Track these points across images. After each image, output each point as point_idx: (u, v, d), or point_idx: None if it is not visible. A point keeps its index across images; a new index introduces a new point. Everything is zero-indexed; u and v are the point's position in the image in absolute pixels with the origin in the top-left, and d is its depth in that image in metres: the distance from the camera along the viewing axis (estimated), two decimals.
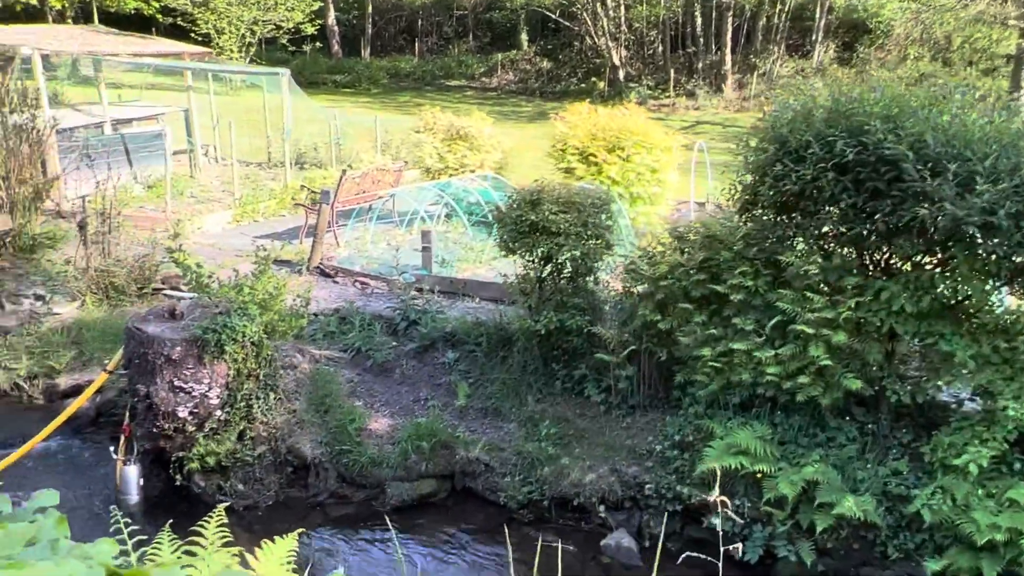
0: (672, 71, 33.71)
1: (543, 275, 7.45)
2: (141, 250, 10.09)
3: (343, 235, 11.99)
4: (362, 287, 10.03)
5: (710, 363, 6.28)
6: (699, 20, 34.41)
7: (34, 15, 36.16)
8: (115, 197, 9.80)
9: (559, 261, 7.25)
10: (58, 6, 32.59)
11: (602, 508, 6.65)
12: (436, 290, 9.29)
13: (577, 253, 7.12)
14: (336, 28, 40.26)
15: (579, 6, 36.38)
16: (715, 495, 3.42)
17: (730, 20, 33.32)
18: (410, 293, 8.83)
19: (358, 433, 7.30)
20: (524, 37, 39.72)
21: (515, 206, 7.19)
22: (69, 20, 34.48)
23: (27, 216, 10.56)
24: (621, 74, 35.04)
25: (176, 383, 6.67)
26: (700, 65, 34.39)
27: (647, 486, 6.56)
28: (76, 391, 8.62)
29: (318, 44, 38.23)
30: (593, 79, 35.86)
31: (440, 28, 42.42)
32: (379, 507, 7.09)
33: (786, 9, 33.20)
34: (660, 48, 36.66)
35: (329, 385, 7.67)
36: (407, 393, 7.89)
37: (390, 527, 6.63)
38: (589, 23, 35.94)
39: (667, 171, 11.91)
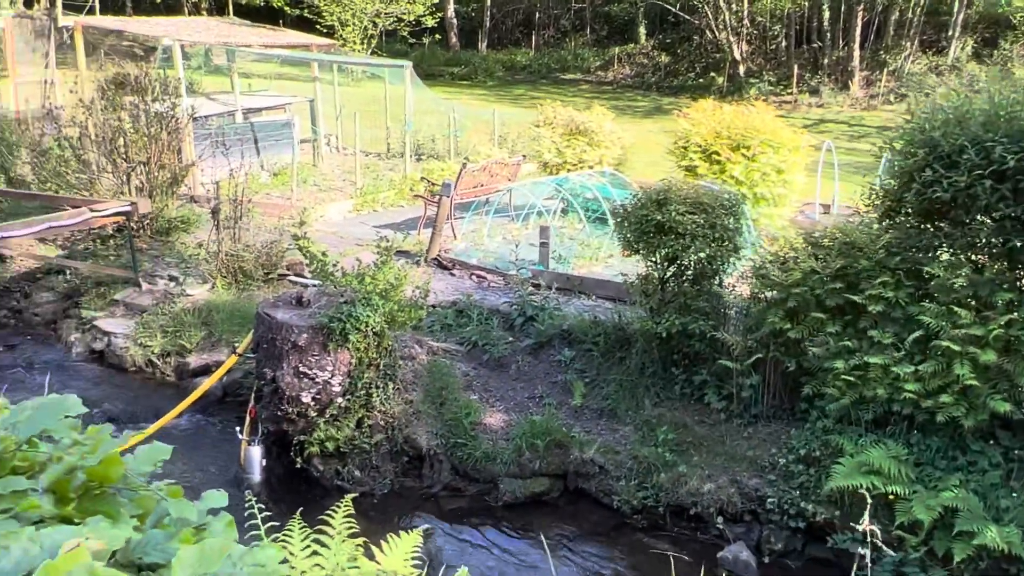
0: (795, 67, 32.60)
1: (666, 276, 7.28)
2: (268, 236, 10.41)
3: (460, 227, 12.07)
4: (478, 280, 10.07)
5: (842, 376, 6.00)
6: (827, 14, 33.16)
7: (172, 7, 37.99)
8: (246, 184, 10.13)
9: (684, 263, 7.07)
10: None
11: (720, 519, 6.46)
12: (554, 286, 9.23)
13: (703, 255, 6.92)
14: (455, 21, 40.71)
15: (701, 0, 35.68)
16: (865, 523, 3.22)
17: (860, 14, 31.96)
18: (527, 289, 8.79)
19: (473, 427, 7.32)
20: (642, 31, 39.20)
21: (640, 205, 7.04)
22: (204, 12, 36.05)
23: (164, 200, 11.06)
24: (741, 69, 34.13)
25: (301, 369, 6.83)
26: (825, 61, 33.15)
27: (768, 500, 6.32)
28: (205, 370, 8.98)
29: (436, 36, 38.70)
30: (712, 74, 35.06)
31: (557, 21, 42.32)
32: (491, 502, 7.10)
33: (921, 3, 31.62)
34: (783, 43, 35.55)
35: (446, 377, 7.72)
36: (522, 389, 7.87)
37: (503, 523, 6.62)
38: (710, 17, 35.15)
39: (794, 172, 11.49)
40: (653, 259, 7.14)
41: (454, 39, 40.78)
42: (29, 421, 1.25)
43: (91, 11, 21.52)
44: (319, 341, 6.82)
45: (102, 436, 1.33)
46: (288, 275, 10.03)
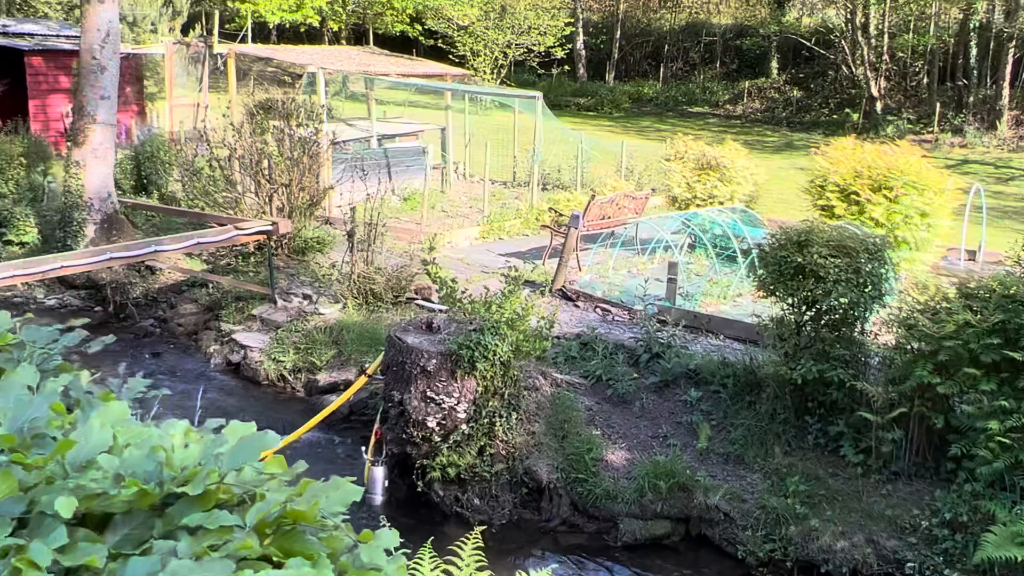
0: (938, 105, 31.20)
1: (803, 321, 7.02)
2: (398, 260, 10.65)
3: (586, 259, 12.03)
4: (603, 314, 9.99)
5: (997, 438, 5.61)
6: (974, 51, 31.65)
7: (313, 36, 39.79)
8: (380, 209, 10.41)
9: (823, 308, 6.80)
10: (335, 28, 35.53)
11: None
12: (680, 324, 9.05)
13: (845, 301, 6.64)
14: (583, 52, 41.00)
15: (837, 34, 34.70)
16: None
17: (1011, 51, 30.35)
18: (653, 324, 8.65)
19: (594, 463, 7.22)
20: (774, 64, 38.41)
21: (779, 246, 6.83)
22: (343, 41, 37.57)
23: (302, 221, 11.49)
24: (878, 106, 32.92)
25: (428, 393, 6.92)
26: (971, 99, 31.60)
27: (908, 564, 5.96)
28: (333, 388, 9.23)
29: (565, 68, 39.07)
30: (847, 110, 33.96)
31: (686, 54, 41.99)
32: (610, 542, 6.97)
33: None
34: (924, 80, 34.15)
35: (569, 411, 7.66)
36: (646, 428, 7.72)
37: (621, 564, 6.49)
38: (847, 52, 34.15)
39: (939, 216, 10.93)
40: (790, 302, 6.90)
41: (582, 70, 41.04)
42: (232, 455, 1.27)
43: (243, 40, 22.81)
44: (447, 367, 6.89)
45: (295, 470, 1.34)
46: (416, 299, 10.21)
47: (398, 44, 37.50)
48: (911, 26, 33.95)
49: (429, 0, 27.61)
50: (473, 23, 29.17)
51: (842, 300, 6.63)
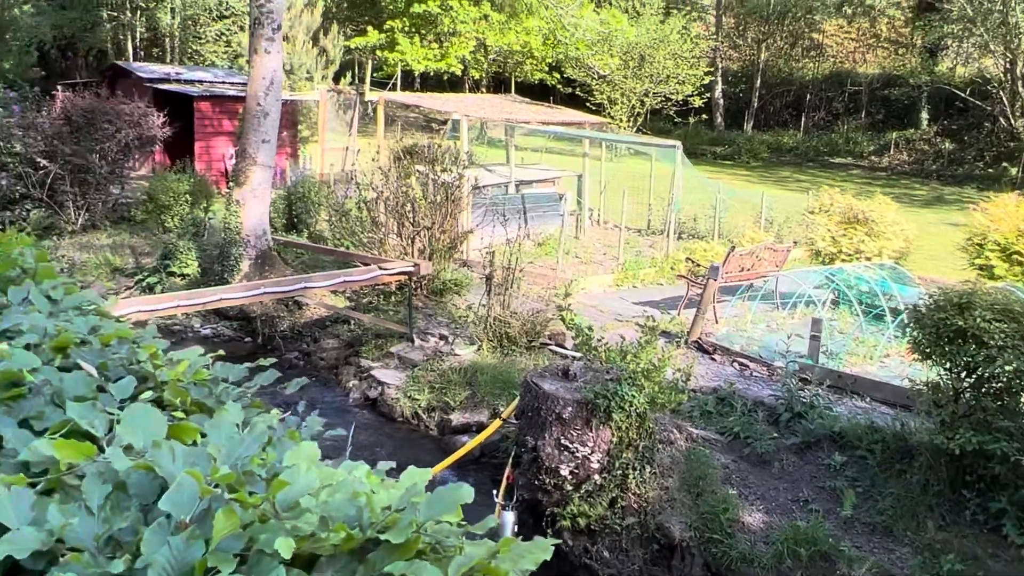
0: None
1: (962, 388, 6.62)
2: (532, 304, 10.75)
3: (722, 311, 11.79)
4: (741, 368, 9.73)
5: None
6: None
7: (455, 83, 41.12)
8: (519, 254, 10.56)
9: (986, 375, 6.39)
10: (476, 76, 36.61)
11: None
12: (826, 383, 8.70)
13: (1010, 368, 6.22)
14: (721, 101, 40.62)
15: (995, 84, 33.01)
16: None
17: None
18: (795, 382, 8.35)
19: (730, 524, 6.98)
20: (924, 115, 36.86)
21: (938, 307, 6.49)
22: (484, 89, 38.66)
23: (442, 263, 11.79)
24: None
25: (563, 441, 6.90)
26: None
27: None
28: (465, 428, 9.34)
29: (703, 116, 38.78)
30: (1004, 164, 32.13)
31: (829, 103, 40.90)
32: None
33: None
34: None
35: (704, 467, 7.47)
36: (785, 491, 7.42)
37: None
38: (1005, 103, 32.41)
39: None
40: (948, 367, 6.52)
41: (719, 119, 40.63)
42: (428, 504, 1.31)
43: (392, 87, 23.85)
44: (583, 416, 6.86)
45: (486, 523, 1.37)
46: (550, 344, 10.26)
47: (536, 92, 38.25)
48: None
49: (569, 50, 28.05)
50: (612, 72, 29.40)
51: (1008, 368, 6.21)
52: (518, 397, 7.59)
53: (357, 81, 24.04)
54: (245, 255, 12.13)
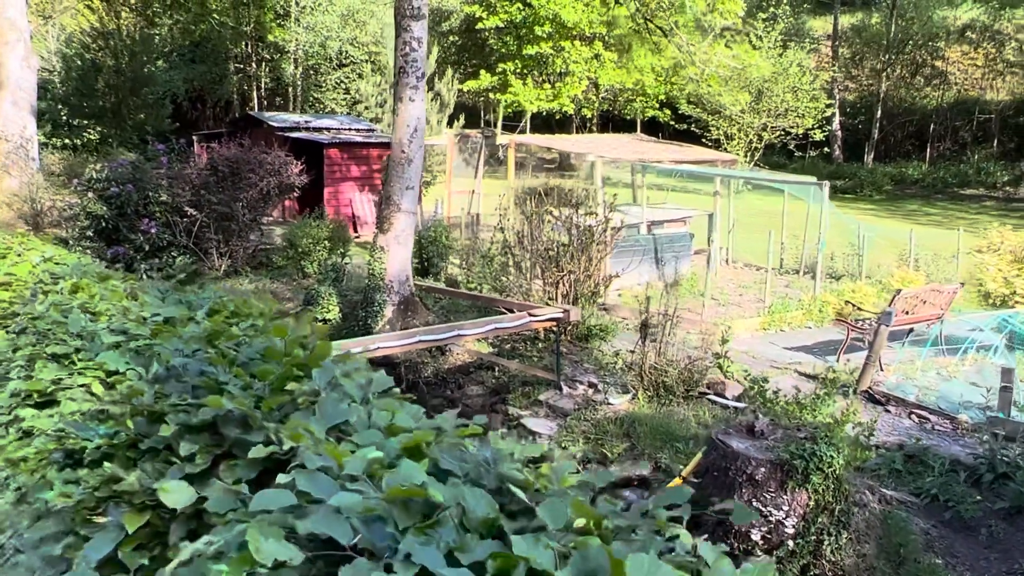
0: None
1: None
2: (686, 351, 10.35)
3: (886, 358, 11.12)
4: (920, 421, 9.08)
5: None
6: None
7: (563, 123, 41.25)
8: (675, 298, 10.22)
9: None
10: (588, 114, 36.62)
11: None
12: (1019, 438, 8.00)
13: None
14: (839, 132, 39.42)
15: None
16: None
17: None
18: (997, 440, 7.70)
19: None
20: None
21: None
22: (594, 127, 38.65)
23: (587, 308, 11.54)
24: None
25: (755, 504, 6.49)
26: None
27: None
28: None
29: (824, 149, 37.68)
30: None
31: (956, 132, 39.18)
32: None
33: None
34: None
35: (904, 533, 6.90)
36: (997, 561, 6.77)
37: None
38: None
39: None
40: None
41: (837, 151, 39.41)
42: None
43: (522, 131, 24.00)
44: (776, 477, 6.44)
45: None
46: (708, 394, 9.84)
47: (646, 129, 37.97)
48: None
49: (701, 87, 27.72)
50: (743, 107, 28.82)
51: None
52: (699, 455, 7.21)
53: (488, 125, 24.26)
54: (389, 301, 12.16)
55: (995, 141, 37.42)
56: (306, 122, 22.76)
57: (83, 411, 2.39)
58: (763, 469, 6.42)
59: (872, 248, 17.51)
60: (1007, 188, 34.33)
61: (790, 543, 6.54)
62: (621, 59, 34.20)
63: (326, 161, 20.53)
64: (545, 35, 32.76)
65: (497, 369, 11.58)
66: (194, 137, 25.51)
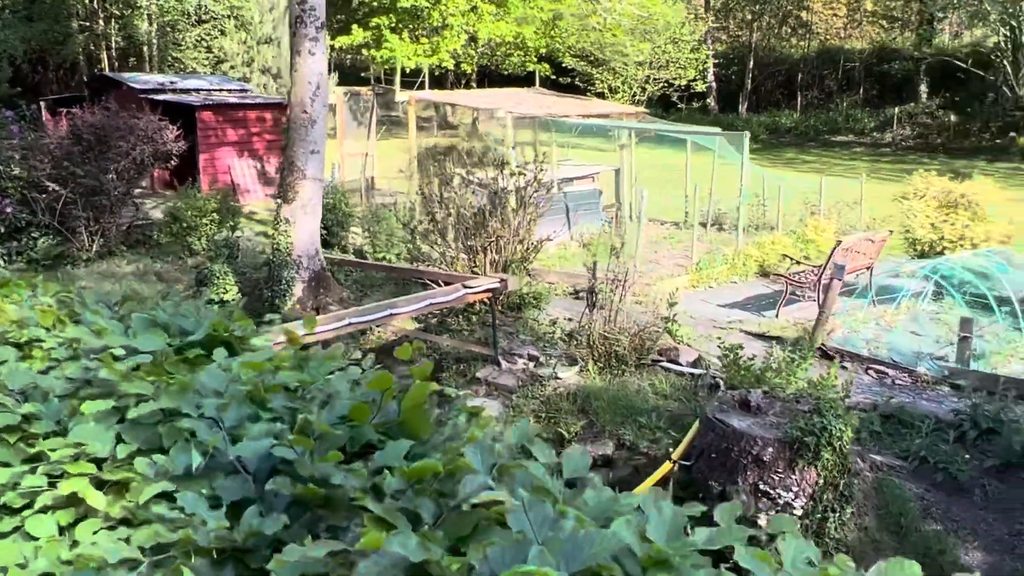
0: None
1: None
2: (636, 317, 9.77)
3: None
4: (879, 376, 8.83)
5: None
6: None
7: (440, 79, 39.93)
8: (626, 264, 9.59)
9: None
10: (468, 70, 35.46)
11: None
12: (994, 390, 7.83)
13: None
14: (714, 84, 39.88)
15: (998, 53, 32.60)
16: None
17: None
18: (981, 394, 7.48)
19: (952, 568, 6.07)
20: (923, 89, 36.39)
21: None
22: (473, 83, 37.53)
23: (519, 275, 10.77)
24: None
25: (761, 487, 5.95)
26: None
27: None
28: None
29: (707, 101, 38.01)
30: (1011, 134, 31.75)
31: (822, 81, 40.35)
32: None
33: None
34: None
35: (902, 502, 6.55)
36: (996, 523, 6.52)
37: None
38: (1008, 72, 32.00)
39: None
40: None
41: (713, 102, 39.90)
42: None
43: (420, 86, 22.62)
44: (785, 456, 5.91)
45: None
46: (661, 361, 9.29)
47: (522, 82, 37.19)
48: None
49: (605, 36, 27.04)
50: (647, 59, 28.21)
51: None
52: (689, 434, 6.61)
53: (373, 82, 22.81)
54: (298, 278, 11.01)
55: (860, 89, 38.77)
56: (171, 83, 20.75)
57: (88, 558, 1.39)
58: (771, 448, 5.88)
59: (775, 198, 17.46)
60: (874, 134, 35.65)
61: (798, 524, 6.04)
62: (499, 11, 33.15)
63: (199, 125, 18.73)
64: None
65: (427, 346, 10.68)
66: (41, 103, 22.90)
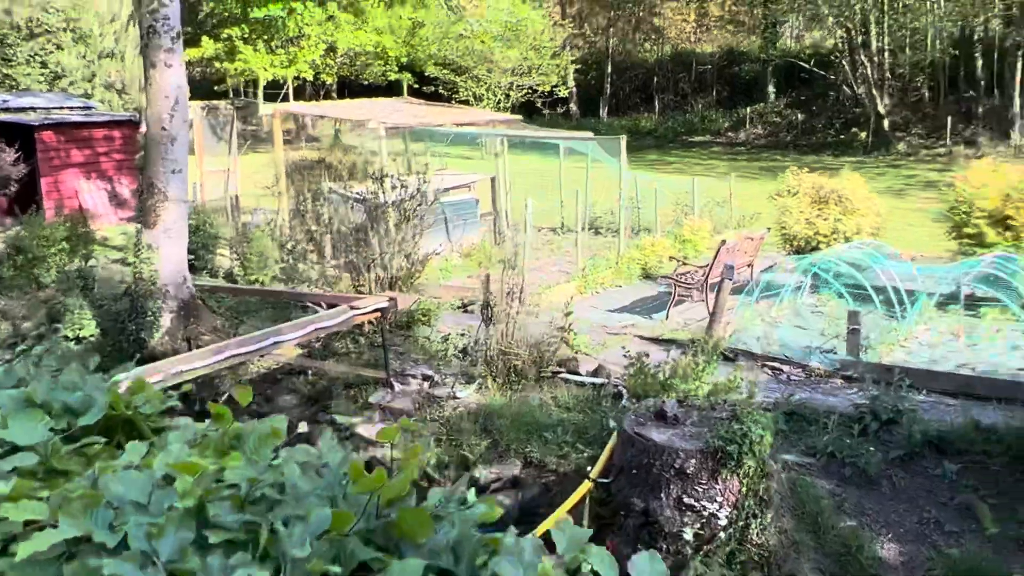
0: (948, 118, 30.96)
1: None
2: (533, 329, 9.50)
3: (702, 311, 10.99)
4: (774, 373, 8.92)
5: None
6: (979, 62, 31.55)
7: (298, 91, 38.75)
8: (522, 275, 9.30)
9: None
10: (328, 80, 34.56)
11: None
12: (881, 381, 8.00)
13: None
14: (575, 90, 40.45)
15: (836, 55, 34.50)
16: None
17: (1020, 60, 30.25)
18: (880, 386, 7.60)
19: (870, 563, 6.10)
20: (771, 89, 38.13)
21: None
22: (334, 95, 36.60)
23: (408, 292, 10.34)
24: (886, 123, 32.69)
25: (686, 500, 5.77)
26: (981, 110, 31.43)
27: None
28: (497, 485, 8.01)
29: (571, 107, 38.44)
30: (853, 130, 33.67)
31: (677, 84, 41.64)
32: None
33: None
34: (927, 94, 34.01)
35: (818, 500, 6.54)
36: (907, 513, 6.61)
37: None
38: (847, 71, 33.94)
39: None
40: None
41: (574, 107, 40.46)
42: None
43: (284, 99, 21.58)
44: (708, 467, 5.75)
45: None
46: (561, 372, 9.07)
47: (384, 92, 36.58)
48: (906, 42, 33.84)
49: (475, 43, 26.68)
50: (516, 66, 28.09)
51: None
52: (606, 451, 6.38)
53: (231, 95, 21.61)
54: (165, 308, 10.15)
55: (713, 91, 40.24)
56: (3, 102, 19.05)
57: None
58: (694, 460, 5.71)
59: (648, 200, 17.68)
60: (729, 133, 37.06)
61: (722, 535, 5.92)
62: (357, 20, 32.43)
63: (40, 147, 17.25)
64: None
65: (310, 372, 10.07)
66: None
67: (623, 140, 14.05)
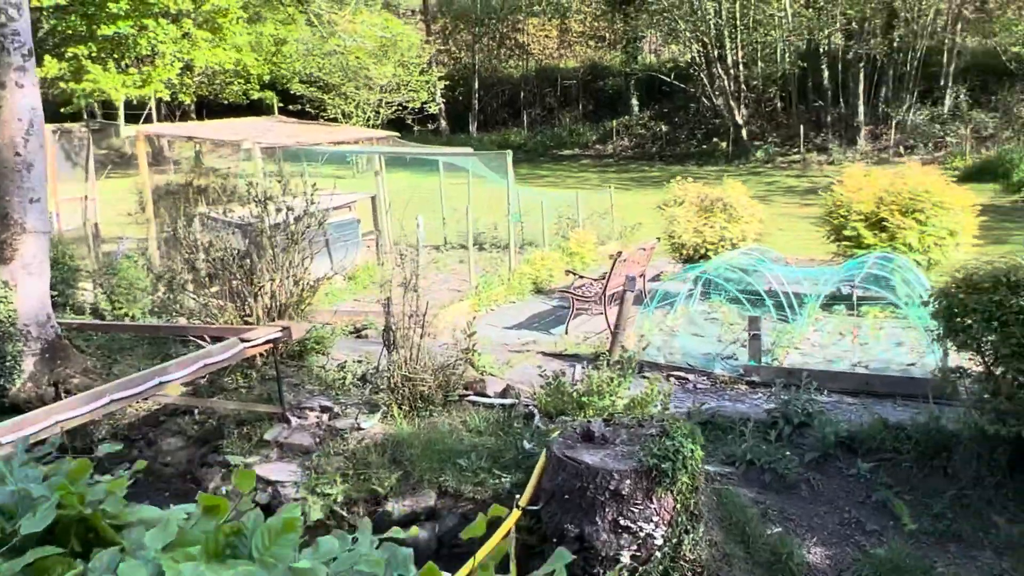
0: (801, 126, 32.65)
1: (1007, 372, 6.26)
2: (436, 352, 9.17)
3: (602, 324, 10.96)
4: (681, 383, 8.94)
5: None
6: (826, 73, 33.44)
7: (167, 116, 36.88)
8: (420, 297, 8.94)
9: None
10: (187, 100, 33.01)
11: None
12: (797, 383, 8.13)
13: None
14: (443, 105, 40.31)
15: (695, 68, 35.79)
16: None
17: (861, 71, 32.25)
18: (791, 391, 7.69)
19: (800, 569, 6.11)
20: (635, 102, 39.16)
21: (987, 288, 6.05)
22: (192, 115, 34.98)
23: (299, 320, 9.79)
24: (744, 133, 34.15)
25: (622, 522, 5.59)
26: (829, 118, 33.31)
27: None
28: (412, 519, 7.62)
29: (442, 123, 38.19)
30: (714, 139, 34.99)
31: (543, 99, 42.18)
32: None
33: (917, 56, 32.06)
34: (779, 105, 35.75)
35: (744, 510, 6.52)
36: (828, 515, 6.69)
37: None
38: (705, 84, 35.26)
39: (967, 234, 10.71)
40: (1008, 352, 6.10)
41: (443, 123, 40.30)
42: None
43: (147, 119, 20.25)
44: (643, 487, 5.60)
45: None
46: (468, 395, 8.77)
47: (246, 112, 35.31)
48: (758, 55, 35.48)
49: (349, 59, 25.92)
50: (396, 82, 27.53)
51: None
52: (534, 477, 6.13)
53: (87, 117, 20.12)
54: (27, 351, 9.21)
55: (579, 104, 40.99)
56: None
57: None
58: (628, 481, 5.55)
59: (533, 214, 17.66)
60: (597, 146, 37.80)
61: (658, 554, 5.78)
62: (215, 37, 31.12)
63: None
64: (123, 12, 28.54)
65: (196, 412, 9.37)
66: None
67: (509, 155, 13.91)
